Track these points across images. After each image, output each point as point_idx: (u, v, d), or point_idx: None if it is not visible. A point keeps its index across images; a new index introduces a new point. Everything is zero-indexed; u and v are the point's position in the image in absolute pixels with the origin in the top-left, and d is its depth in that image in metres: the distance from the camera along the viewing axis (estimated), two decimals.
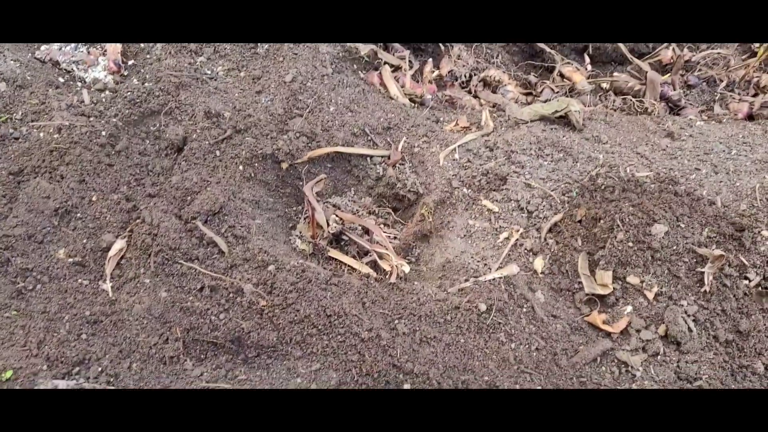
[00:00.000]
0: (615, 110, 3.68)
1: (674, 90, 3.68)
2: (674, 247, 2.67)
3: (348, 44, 3.66)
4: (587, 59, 4.02)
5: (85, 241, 2.86)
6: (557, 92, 3.75)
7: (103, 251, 2.85)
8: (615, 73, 3.88)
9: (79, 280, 2.78)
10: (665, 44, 3.96)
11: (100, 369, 2.55)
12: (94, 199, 2.96)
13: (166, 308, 2.66)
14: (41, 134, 3.15)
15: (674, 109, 3.69)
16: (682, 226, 2.72)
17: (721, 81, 3.81)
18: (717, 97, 3.76)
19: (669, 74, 3.80)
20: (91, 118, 3.20)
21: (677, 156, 3.07)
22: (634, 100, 3.69)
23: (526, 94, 3.85)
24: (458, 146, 3.23)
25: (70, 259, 2.82)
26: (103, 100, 3.33)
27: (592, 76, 3.97)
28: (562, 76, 3.89)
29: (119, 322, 2.67)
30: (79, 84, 3.55)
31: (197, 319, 2.65)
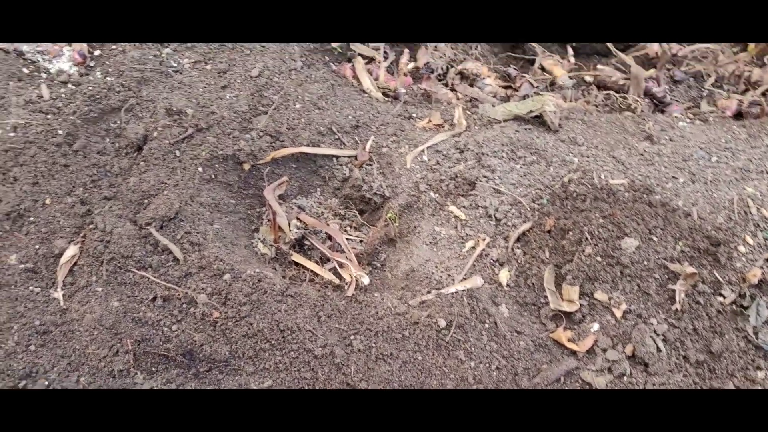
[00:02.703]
0: (597, 106, 3.54)
1: (659, 86, 3.52)
2: (645, 263, 2.56)
3: None
4: (570, 51, 3.85)
5: (37, 246, 2.77)
6: (536, 86, 3.60)
7: (56, 257, 2.76)
8: (599, 66, 3.72)
9: (30, 288, 2.70)
10: None
11: (47, 383, 2.49)
12: (47, 202, 2.86)
13: (117, 319, 2.58)
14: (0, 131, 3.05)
15: (659, 105, 3.54)
16: (655, 239, 2.60)
17: (709, 76, 3.65)
18: (704, 94, 3.61)
19: (654, 69, 3.64)
20: (49, 116, 3.09)
21: (654, 162, 2.94)
22: (617, 95, 3.54)
23: (506, 88, 3.70)
24: (427, 147, 3.10)
25: (22, 265, 2.73)
26: (63, 95, 3.21)
27: (574, 69, 3.81)
28: (543, 69, 3.74)
29: (69, 333, 2.59)
30: (44, 75, 3.43)
31: (149, 331, 2.58)
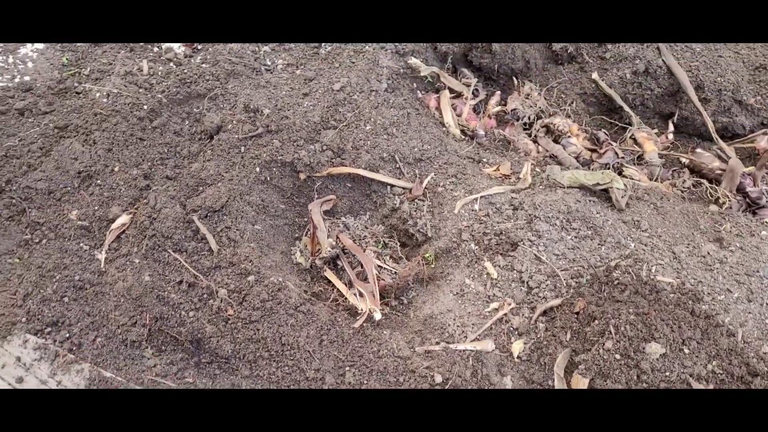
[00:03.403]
0: (683, 191, 3.31)
1: (755, 185, 3.24)
2: (667, 373, 2.37)
3: (411, 61, 3.52)
4: (671, 126, 3.63)
5: (96, 208, 2.98)
6: (622, 157, 3.42)
7: (109, 222, 2.96)
8: (697, 150, 3.48)
9: (81, 244, 2.92)
10: (763, 130, 3.49)
11: (68, 335, 2.67)
12: (116, 169, 3.07)
13: (144, 292, 2.74)
14: (97, 95, 3.30)
15: (751, 206, 3.26)
16: (686, 351, 2.41)
17: None
18: None
19: (755, 166, 3.35)
20: (141, 90, 3.31)
21: (714, 268, 2.71)
22: (708, 185, 3.30)
23: (591, 151, 3.54)
24: (481, 197, 3.04)
25: (79, 222, 2.95)
26: (159, 73, 3.43)
27: (670, 148, 3.59)
28: (634, 140, 3.54)
29: (100, 294, 2.78)
30: (155, 50, 3.68)
31: (168, 311, 2.71)
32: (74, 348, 2.65)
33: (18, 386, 2.50)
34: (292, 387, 2.52)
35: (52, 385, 2.51)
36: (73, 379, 2.54)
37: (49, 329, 2.69)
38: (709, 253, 2.79)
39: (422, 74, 3.54)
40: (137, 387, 2.55)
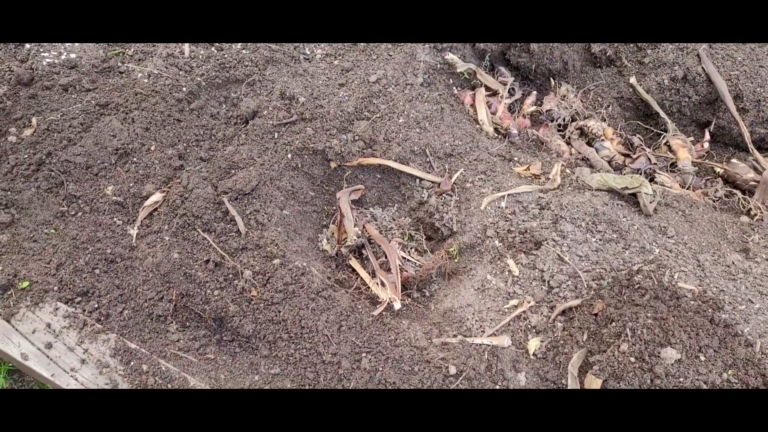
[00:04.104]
0: (714, 201, 3.27)
1: None
2: (681, 380, 2.36)
3: (449, 57, 3.54)
4: (707, 135, 3.58)
5: (131, 185, 3.07)
6: (655, 163, 3.39)
7: (143, 198, 3.04)
8: (733, 160, 3.43)
9: (115, 219, 3.00)
10: None
11: (96, 306, 2.76)
12: (152, 148, 3.15)
13: (172, 269, 2.81)
14: (138, 75, 3.39)
15: None
16: (702, 359, 2.39)
17: None
18: None
19: None
20: (181, 72, 3.40)
21: (737, 278, 2.68)
22: (741, 196, 3.25)
23: (624, 155, 3.52)
24: (508, 195, 3.05)
25: (114, 198, 3.04)
26: (200, 57, 3.50)
27: (706, 156, 3.54)
28: (669, 147, 3.51)
29: (130, 268, 2.86)
30: None
31: (194, 288, 2.78)
32: (102, 318, 2.74)
33: (47, 351, 2.60)
34: (308, 369, 2.57)
35: (79, 352, 2.60)
36: (99, 348, 2.62)
37: (79, 299, 2.78)
38: (734, 263, 2.76)
39: (459, 70, 3.55)
40: (160, 359, 2.62)
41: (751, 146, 3.40)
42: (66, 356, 2.60)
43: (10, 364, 2.77)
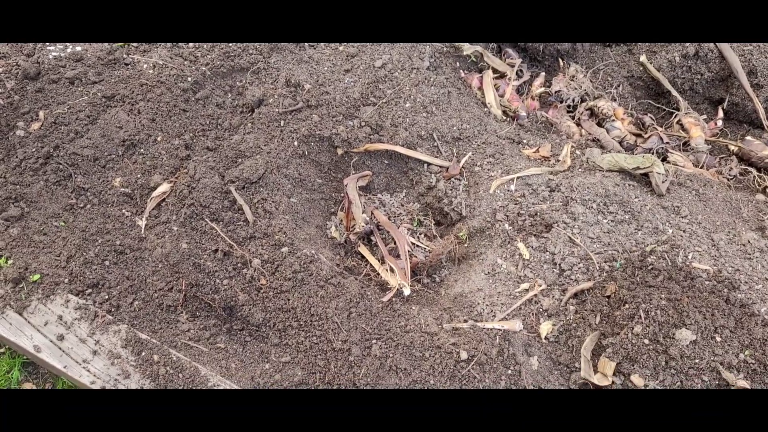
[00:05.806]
0: (729, 179, 3.22)
1: None
2: (696, 360, 2.33)
3: None
4: (720, 113, 3.52)
5: (139, 176, 3.06)
6: (667, 142, 3.34)
7: (151, 189, 3.03)
8: (747, 138, 3.37)
9: (123, 210, 3.00)
10: None
11: (107, 297, 2.77)
12: (158, 139, 3.15)
13: (181, 259, 2.81)
14: (143, 66, 3.38)
15: None
16: (717, 339, 2.36)
17: None
18: None
19: None
20: (186, 62, 3.38)
21: (754, 257, 2.63)
22: (756, 173, 3.20)
23: (636, 135, 3.46)
24: (517, 177, 3.01)
25: (122, 189, 3.04)
26: (204, 46, 3.48)
27: (719, 134, 3.48)
28: (681, 126, 3.45)
29: (140, 259, 2.86)
30: None
31: (203, 278, 2.78)
32: (113, 309, 2.74)
33: (59, 343, 2.61)
34: (318, 356, 2.56)
35: (91, 343, 2.61)
36: (111, 339, 2.63)
37: (89, 290, 2.79)
38: (749, 242, 2.71)
39: (465, 53, 3.51)
40: (171, 349, 2.63)
41: (765, 123, 3.34)
42: (78, 348, 2.61)
43: (24, 357, 2.79)
